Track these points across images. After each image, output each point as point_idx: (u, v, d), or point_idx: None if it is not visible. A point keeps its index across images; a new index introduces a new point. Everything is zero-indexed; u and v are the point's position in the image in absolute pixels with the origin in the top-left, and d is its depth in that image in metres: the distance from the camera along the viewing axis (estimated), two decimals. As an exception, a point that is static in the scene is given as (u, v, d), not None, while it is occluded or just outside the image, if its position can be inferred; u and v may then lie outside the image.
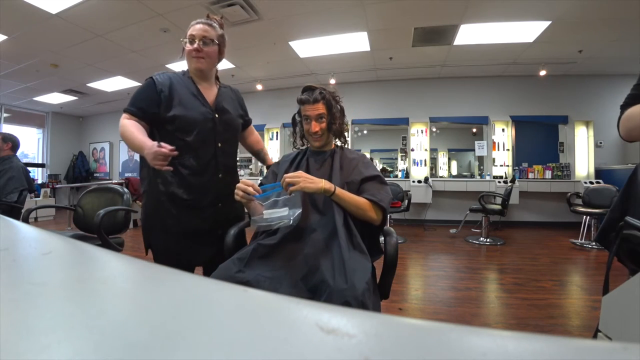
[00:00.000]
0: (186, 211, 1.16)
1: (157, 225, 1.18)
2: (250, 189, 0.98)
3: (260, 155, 1.52)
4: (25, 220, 2.08)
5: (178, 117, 1.12)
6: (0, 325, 0.19)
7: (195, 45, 1.14)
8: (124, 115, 1.12)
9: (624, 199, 0.84)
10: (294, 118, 1.24)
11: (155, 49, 4.19)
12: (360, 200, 1.03)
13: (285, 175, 0.95)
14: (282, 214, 0.95)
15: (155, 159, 0.97)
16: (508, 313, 1.99)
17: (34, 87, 5.70)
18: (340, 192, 1.00)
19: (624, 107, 0.89)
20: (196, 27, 1.15)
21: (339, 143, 1.22)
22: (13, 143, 2.74)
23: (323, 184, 0.97)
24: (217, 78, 1.30)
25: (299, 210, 0.96)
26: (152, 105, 1.12)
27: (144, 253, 1.23)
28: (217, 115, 1.20)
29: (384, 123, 5.76)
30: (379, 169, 1.28)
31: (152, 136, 1.12)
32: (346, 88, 5.34)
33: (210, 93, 1.23)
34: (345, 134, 1.21)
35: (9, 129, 6.94)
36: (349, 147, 1.27)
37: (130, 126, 1.08)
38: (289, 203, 0.97)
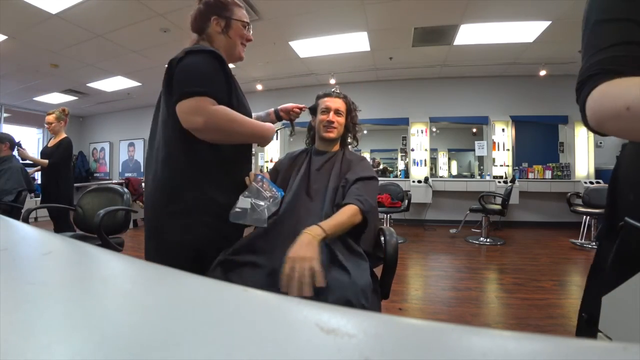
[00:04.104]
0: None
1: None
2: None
3: None
4: (25, 220, 2.08)
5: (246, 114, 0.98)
6: (0, 325, 0.19)
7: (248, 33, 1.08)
8: (208, 99, 0.83)
9: (609, 195, 0.75)
10: (313, 108, 1.24)
11: (155, 49, 4.19)
12: (345, 216, 0.94)
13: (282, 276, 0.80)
14: (261, 204, 0.94)
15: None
16: (508, 313, 2.00)
17: (34, 87, 5.69)
18: (329, 227, 0.89)
19: (595, 78, 0.47)
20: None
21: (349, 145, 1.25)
22: (11, 143, 2.74)
23: (313, 243, 0.83)
24: None
25: (274, 209, 0.96)
26: (225, 97, 0.90)
27: (144, 253, 1.22)
28: None
29: (384, 123, 5.75)
30: (379, 168, 1.31)
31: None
32: (346, 88, 5.27)
33: None
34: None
35: (9, 129, 6.93)
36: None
37: (238, 115, 0.90)
38: (271, 201, 0.97)
